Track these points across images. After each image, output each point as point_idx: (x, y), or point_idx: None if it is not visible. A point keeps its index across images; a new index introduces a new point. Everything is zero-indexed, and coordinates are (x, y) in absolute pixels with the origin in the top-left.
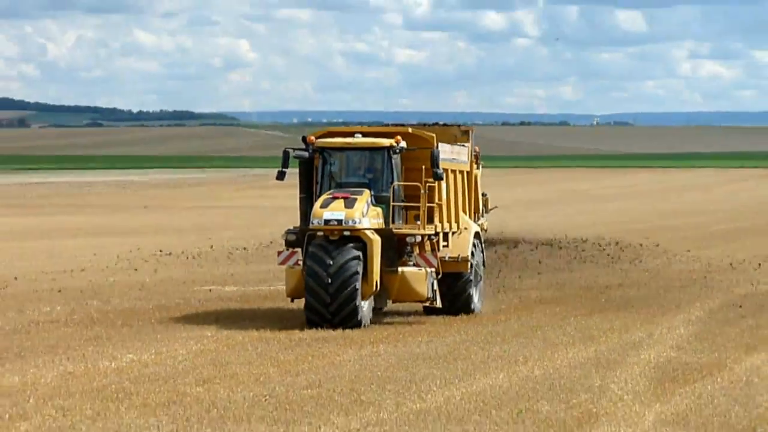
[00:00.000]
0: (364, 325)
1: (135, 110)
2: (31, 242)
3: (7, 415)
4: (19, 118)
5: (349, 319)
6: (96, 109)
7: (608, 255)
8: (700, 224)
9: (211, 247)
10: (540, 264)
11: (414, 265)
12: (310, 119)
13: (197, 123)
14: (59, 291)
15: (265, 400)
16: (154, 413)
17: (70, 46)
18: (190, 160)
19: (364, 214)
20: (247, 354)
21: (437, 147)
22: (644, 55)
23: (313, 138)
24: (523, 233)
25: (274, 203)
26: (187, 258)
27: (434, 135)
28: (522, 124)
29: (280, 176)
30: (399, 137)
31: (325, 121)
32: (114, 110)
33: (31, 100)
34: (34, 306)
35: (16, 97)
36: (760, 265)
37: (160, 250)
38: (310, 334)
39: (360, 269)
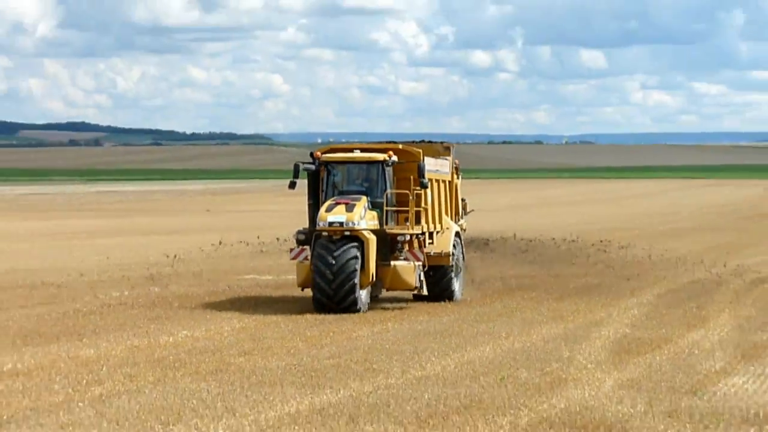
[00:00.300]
0: (363, 311)
1: (189, 132)
2: (105, 239)
3: (84, 381)
4: (94, 138)
5: (349, 306)
6: (157, 131)
7: (575, 250)
8: (650, 224)
9: (258, 237)
10: (519, 257)
11: (404, 259)
12: (331, 139)
13: (239, 142)
14: (127, 279)
15: (295, 368)
16: (204, 379)
17: (136, 80)
18: (234, 173)
19: (362, 217)
20: (279, 330)
21: (423, 160)
22: (604, 86)
23: (319, 153)
24: (506, 232)
25: (300, 208)
26: (233, 251)
27: (421, 150)
28: (504, 143)
29: (292, 186)
30: (391, 152)
31: (343, 140)
32: (172, 132)
33: (104, 124)
34: (107, 292)
35: (92, 122)
36: (702, 260)
37: (212, 244)
38: (331, 315)
39: (358, 264)
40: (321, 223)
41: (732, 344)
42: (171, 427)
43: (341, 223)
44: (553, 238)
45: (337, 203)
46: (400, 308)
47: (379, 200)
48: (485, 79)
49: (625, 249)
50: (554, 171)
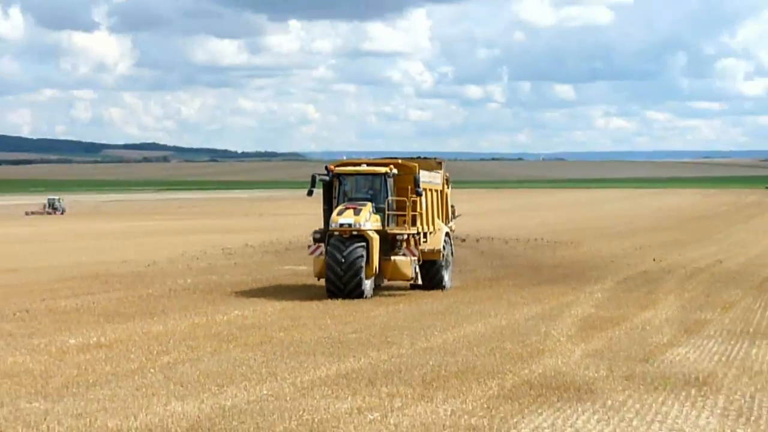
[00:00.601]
0: (368, 297)
1: (239, 151)
2: (172, 237)
3: (155, 351)
4: (163, 156)
5: (356, 293)
6: (214, 150)
7: (550, 246)
8: (611, 225)
9: (291, 236)
10: (504, 252)
11: (403, 255)
12: (353, 157)
13: (280, 159)
14: (190, 269)
15: (325, 340)
16: (251, 350)
17: (197, 108)
18: (276, 184)
19: (368, 220)
20: (312, 310)
21: (418, 173)
22: (573, 114)
23: (332, 167)
24: (493, 232)
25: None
26: (273, 247)
27: (416, 165)
28: (493, 159)
29: (309, 194)
30: (392, 166)
31: (363, 157)
32: (225, 151)
33: (171, 144)
34: (173, 279)
35: (161, 142)
36: (655, 259)
37: (247, 244)
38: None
39: (364, 260)
40: (333, 225)
41: (677, 321)
42: (225, 388)
43: (350, 225)
44: (536, 238)
45: (347, 208)
46: (403, 294)
47: (381, 206)
48: (477, 108)
49: (591, 244)
50: (533, 182)
